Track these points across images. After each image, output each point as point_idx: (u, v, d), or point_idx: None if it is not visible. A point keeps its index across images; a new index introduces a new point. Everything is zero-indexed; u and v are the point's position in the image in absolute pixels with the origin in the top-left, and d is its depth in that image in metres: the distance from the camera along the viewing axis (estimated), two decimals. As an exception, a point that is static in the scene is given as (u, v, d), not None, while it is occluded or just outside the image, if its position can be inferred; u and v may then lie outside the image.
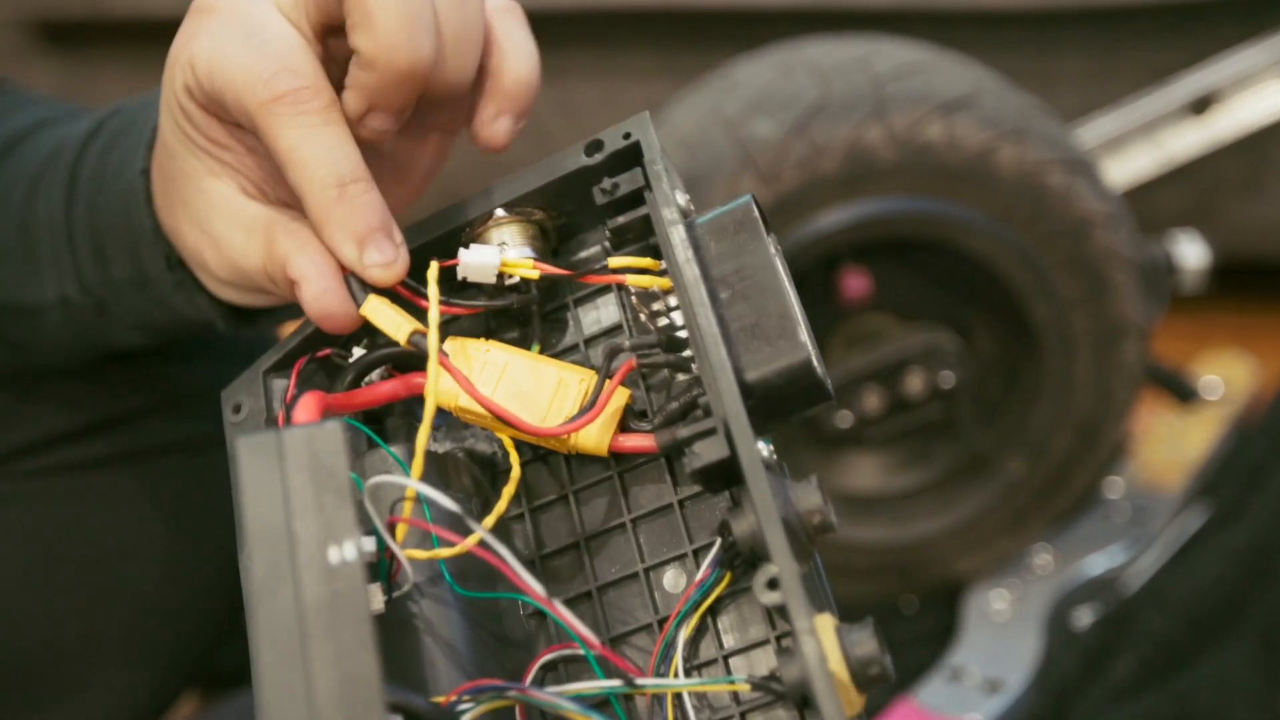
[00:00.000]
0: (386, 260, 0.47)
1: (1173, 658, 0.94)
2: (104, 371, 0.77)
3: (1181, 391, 1.16)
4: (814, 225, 0.89)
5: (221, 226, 0.50)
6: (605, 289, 0.51)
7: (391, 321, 0.46)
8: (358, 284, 0.47)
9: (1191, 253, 1.05)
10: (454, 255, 0.48)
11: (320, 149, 0.46)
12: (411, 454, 0.45)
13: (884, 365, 0.98)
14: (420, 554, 0.45)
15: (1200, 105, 1.15)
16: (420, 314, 0.47)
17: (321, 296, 0.47)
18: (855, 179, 0.88)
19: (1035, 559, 1.03)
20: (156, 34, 1.44)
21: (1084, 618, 1.00)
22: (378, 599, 0.42)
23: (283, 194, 0.51)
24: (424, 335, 0.45)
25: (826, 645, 0.38)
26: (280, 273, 0.48)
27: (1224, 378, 1.20)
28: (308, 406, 0.43)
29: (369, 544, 0.39)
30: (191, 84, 0.48)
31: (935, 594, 1.04)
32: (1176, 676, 0.92)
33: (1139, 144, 1.16)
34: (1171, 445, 1.13)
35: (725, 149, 0.90)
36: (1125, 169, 1.15)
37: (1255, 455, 1.09)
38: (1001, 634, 0.98)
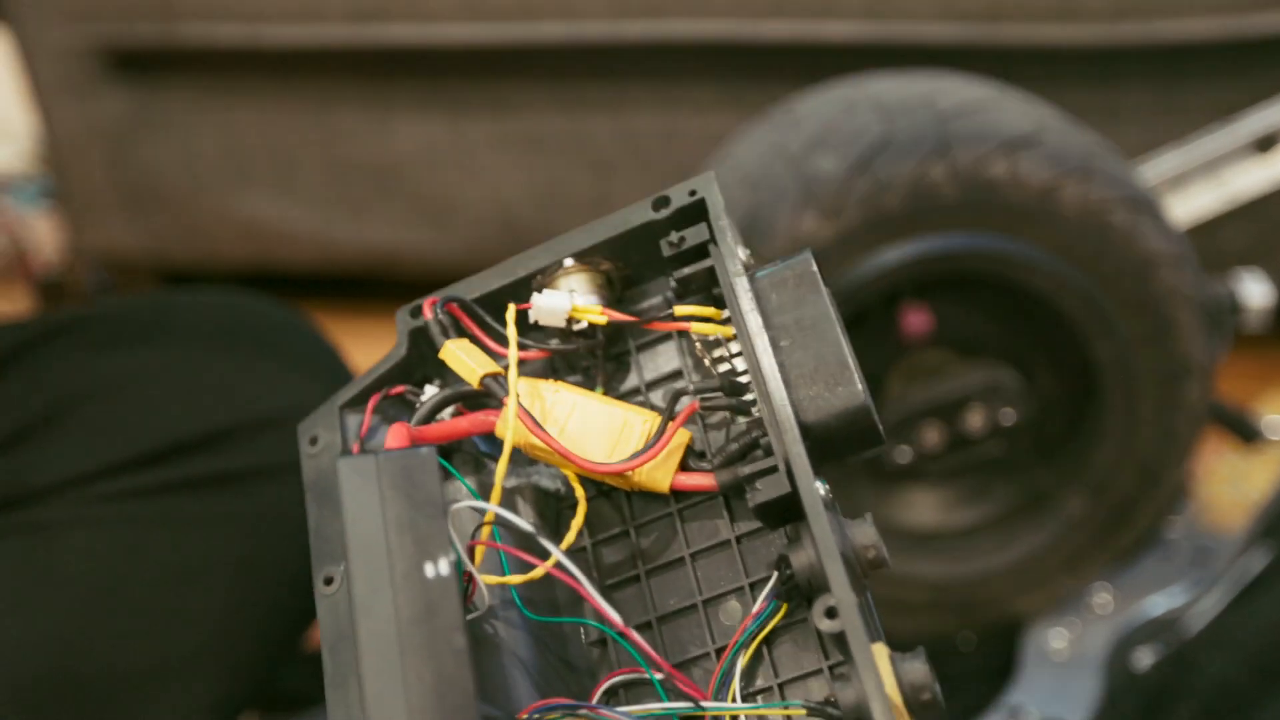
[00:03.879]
0: None
1: (1235, 701, 0.92)
2: (166, 404, 0.79)
3: (1245, 431, 1.15)
4: (876, 261, 0.89)
5: None
6: (666, 337, 0.53)
7: (465, 366, 0.49)
8: (438, 328, 0.50)
9: (1256, 291, 1.05)
10: (525, 300, 0.50)
11: None
12: (480, 486, 0.47)
13: (944, 401, 0.98)
14: (496, 579, 0.47)
15: (1265, 144, 1.14)
16: (492, 356, 0.50)
17: None
18: (918, 216, 0.89)
19: (1095, 598, 1.02)
20: (227, 62, 1.47)
21: (1144, 659, 0.99)
22: None
23: None
24: (494, 378, 0.48)
25: (882, 670, 0.40)
26: None
27: (1288, 418, 1.18)
28: (398, 435, 0.46)
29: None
30: None
31: (994, 631, 1.04)
32: (1239, 721, 0.91)
33: (1203, 181, 1.15)
34: (1234, 485, 1.12)
35: (788, 185, 0.90)
36: (1189, 206, 1.15)
37: (1320, 497, 1.08)
38: (1060, 674, 0.98)
